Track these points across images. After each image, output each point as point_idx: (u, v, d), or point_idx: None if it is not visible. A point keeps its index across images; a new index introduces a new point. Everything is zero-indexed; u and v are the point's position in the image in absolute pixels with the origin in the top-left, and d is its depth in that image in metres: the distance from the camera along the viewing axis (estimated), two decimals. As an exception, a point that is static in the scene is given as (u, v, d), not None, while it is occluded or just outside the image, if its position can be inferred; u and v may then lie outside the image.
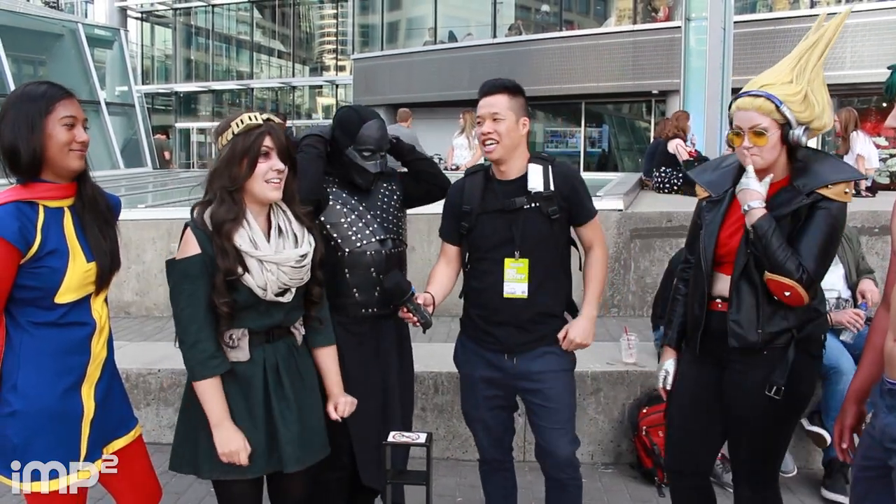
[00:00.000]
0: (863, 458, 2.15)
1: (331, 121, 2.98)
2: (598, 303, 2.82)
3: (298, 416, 2.39)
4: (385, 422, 2.86)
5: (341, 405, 2.55)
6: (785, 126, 2.41)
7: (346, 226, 2.83)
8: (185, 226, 2.29)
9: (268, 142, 2.27)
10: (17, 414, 2.09)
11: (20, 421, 2.10)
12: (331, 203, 2.84)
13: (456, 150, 10.94)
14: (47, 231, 2.09)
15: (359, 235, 2.83)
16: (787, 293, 2.39)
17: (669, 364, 2.75)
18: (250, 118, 2.29)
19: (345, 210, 2.85)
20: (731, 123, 2.52)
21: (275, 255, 2.28)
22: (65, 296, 2.12)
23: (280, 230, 2.36)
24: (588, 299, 2.81)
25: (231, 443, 2.25)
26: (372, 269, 2.84)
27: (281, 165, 2.29)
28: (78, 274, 2.13)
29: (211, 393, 2.25)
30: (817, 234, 2.36)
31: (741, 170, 2.59)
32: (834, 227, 2.38)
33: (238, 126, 2.27)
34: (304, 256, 2.35)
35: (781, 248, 2.36)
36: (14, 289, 2.08)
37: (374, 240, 2.85)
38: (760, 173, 2.48)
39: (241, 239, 2.24)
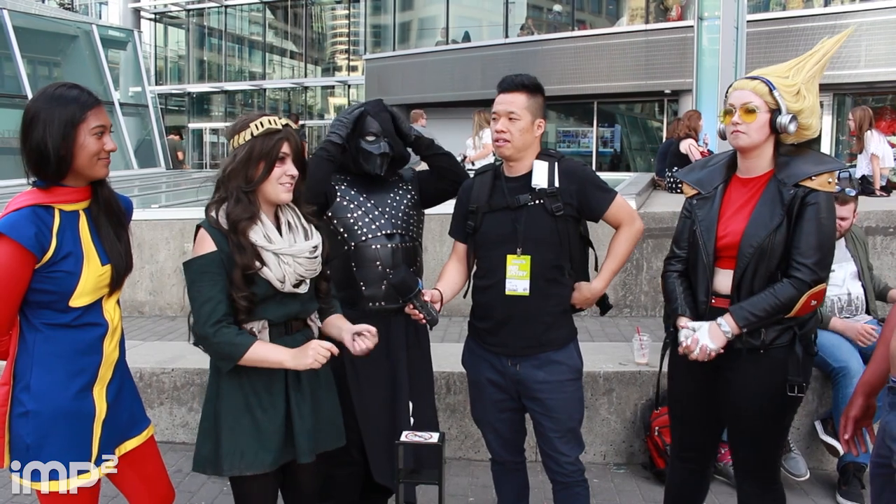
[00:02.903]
0: (876, 456, 2.19)
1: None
2: (609, 278, 2.82)
3: (312, 408, 2.43)
4: (395, 417, 2.87)
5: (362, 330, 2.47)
6: (775, 112, 2.52)
7: (351, 220, 2.87)
8: (198, 226, 2.33)
9: (285, 147, 2.33)
10: (30, 414, 2.11)
11: (33, 421, 2.11)
12: (338, 199, 2.88)
13: (467, 151, 11.00)
14: (63, 235, 2.10)
15: (364, 230, 2.87)
16: (812, 302, 2.50)
17: (689, 324, 2.61)
18: (270, 122, 2.32)
19: (352, 206, 2.89)
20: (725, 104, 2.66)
21: (289, 248, 2.33)
22: (79, 299, 2.13)
23: (290, 226, 2.42)
24: (600, 272, 2.82)
25: (306, 359, 2.27)
26: (378, 263, 2.86)
27: (294, 171, 2.36)
28: (93, 277, 2.15)
29: (261, 352, 2.26)
30: (812, 228, 2.45)
31: (730, 166, 2.70)
32: (826, 217, 2.48)
33: (258, 128, 2.30)
34: (315, 248, 2.42)
35: (769, 301, 2.46)
36: (29, 292, 2.09)
37: (379, 234, 2.88)
38: (744, 154, 2.60)
39: (256, 235, 2.30)
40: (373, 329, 2.46)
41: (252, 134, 2.30)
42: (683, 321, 2.63)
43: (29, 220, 2.05)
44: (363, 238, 2.86)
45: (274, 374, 2.35)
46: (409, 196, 3.01)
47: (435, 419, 3.11)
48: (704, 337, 2.52)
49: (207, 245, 2.27)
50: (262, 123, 2.31)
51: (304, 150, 2.43)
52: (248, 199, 2.30)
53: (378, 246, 2.86)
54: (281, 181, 2.33)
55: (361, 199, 2.91)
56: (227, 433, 2.32)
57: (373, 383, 2.85)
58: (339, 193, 2.90)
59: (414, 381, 2.96)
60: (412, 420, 2.94)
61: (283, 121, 2.36)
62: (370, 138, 2.89)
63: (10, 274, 2.04)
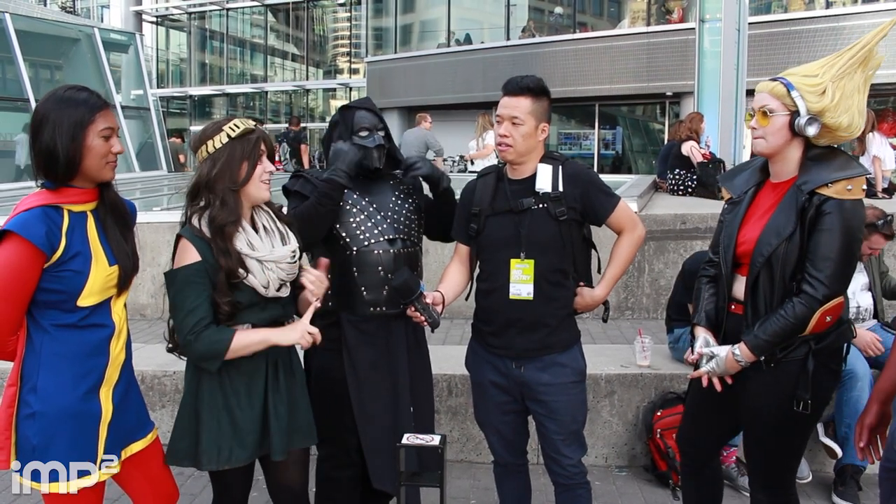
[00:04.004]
0: (885, 461, 2.18)
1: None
2: (611, 284, 2.81)
3: (288, 409, 2.48)
4: (395, 422, 2.87)
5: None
6: (795, 113, 2.41)
7: (354, 225, 2.86)
8: (179, 235, 2.34)
9: (262, 146, 2.39)
10: (37, 415, 2.11)
11: (39, 422, 2.11)
12: (341, 203, 2.87)
13: (471, 153, 11.03)
14: (72, 235, 2.12)
15: (367, 234, 2.86)
16: (827, 318, 2.40)
17: (702, 342, 2.61)
18: (243, 123, 2.37)
19: (354, 210, 2.87)
20: None
21: (271, 255, 2.37)
22: (87, 299, 2.14)
23: (266, 229, 2.45)
24: (602, 279, 2.81)
25: (293, 334, 2.36)
26: (380, 269, 2.84)
27: (272, 167, 2.43)
28: (101, 277, 2.16)
29: (246, 339, 2.30)
30: (829, 238, 2.34)
31: (763, 170, 2.61)
32: (845, 226, 2.34)
33: (234, 130, 2.34)
34: (295, 252, 2.45)
35: (780, 323, 2.39)
36: (37, 292, 2.10)
37: (382, 239, 2.86)
38: (768, 158, 2.53)
39: (240, 242, 2.32)
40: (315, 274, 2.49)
41: (228, 136, 2.33)
42: (701, 342, 2.60)
43: (39, 219, 2.07)
44: (365, 243, 2.85)
45: (255, 377, 2.40)
46: (410, 200, 3.00)
47: (433, 422, 3.11)
48: (720, 368, 2.51)
49: (191, 255, 2.28)
50: (236, 126, 2.35)
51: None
52: (233, 201, 2.32)
53: (380, 251, 2.85)
54: (262, 179, 2.38)
55: (364, 202, 2.90)
56: (206, 431, 2.36)
57: (374, 388, 2.84)
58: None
59: (415, 386, 2.96)
60: (412, 426, 2.93)
61: (251, 122, 2.42)
62: (363, 133, 2.89)
63: (20, 272, 2.05)
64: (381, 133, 2.93)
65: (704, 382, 2.55)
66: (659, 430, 3.97)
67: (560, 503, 2.87)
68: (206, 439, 2.36)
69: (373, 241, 2.85)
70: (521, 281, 2.70)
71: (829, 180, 2.35)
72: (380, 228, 2.87)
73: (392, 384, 2.89)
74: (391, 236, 2.87)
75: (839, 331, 2.49)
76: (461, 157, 10.48)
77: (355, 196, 2.90)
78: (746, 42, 10.65)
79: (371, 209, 2.89)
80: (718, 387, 2.53)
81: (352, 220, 2.86)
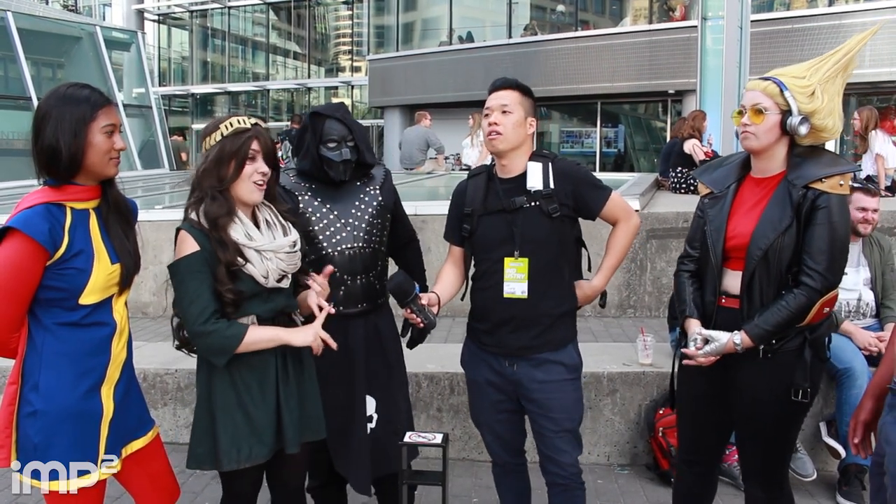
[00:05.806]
0: (876, 454, 2.21)
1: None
2: (609, 274, 2.83)
3: (298, 401, 2.49)
4: (352, 417, 2.91)
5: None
6: (786, 112, 2.47)
7: (311, 234, 2.87)
8: (178, 229, 2.37)
9: (255, 145, 2.37)
10: (38, 414, 2.12)
11: (40, 421, 2.12)
12: (300, 210, 2.89)
13: (464, 150, 11.03)
14: (74, 232, 2.12)
15: (325, 243, 2.88)
16: (825, 310, 2.47)
17: (698, 330, 2.58)
18: (239, 121, 2.38)
19: (313, 218, 2.89)
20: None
21: (270, 244, 2.38)
22: (89, 297, 2.14)
23: (268, 223, 2.46)
24: (600, 269, 2.83)
25: (306, 336, 2.39)
26: (336, 271, 2.84)
27: (266, 168, 2.40)
28: (103, 275, 2.16)
29: (258, 335, 2.33)
30: (823, 233, 2.41)
31: (744, 165, 2.67)
32: (836, 221, 2.42)
33: (227, 128, 2.35)
34: (295, 243, 2.47)
35: (781, 314, 2.42)
36: (39, 290, 2.10)
37: (340, 247, 2.89)
38: (755, 155, 2.58)
39: (237, 233, 2.34)
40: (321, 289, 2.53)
41: (222, 134, 2.35)
42: (697, 328, 2.59)
43: (42, 216, 2.07)
44: (322, 252, 2.87)
45: (266, 371, 2.41)
46: (374, 203, 3.00)
47: (408, 420, 3.11)
48: (718, 352, 2.50)
49: (190, 245, 2.30)
50: (231, 124, 2.36)
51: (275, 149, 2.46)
52: (222, 197, 2.34)
53: (335, 253, 2.88)
54: (253, 179, 2.37)
55: (324, 210, 2.91)
56: (223, 431, 2.36)
57: (329, 382, 2.85)
58: (301, 204, 2.90)
59: (378, 384, 2.98)
60: (375, 416, 2.98)
61: (252, 120, 2.41)
62: (331, 144, 2.87)
63: (23, 269, 2.05)
64: (351, 144, 2.90)
65: (703, 362, 2.54)
66: (661, 429, 3.96)
67: (554, 504, 2.86)
68: (224, 439, 2.36)
69: (329, 249, 2.88)
70: (516, 280, 2.69)
71: (823, 175, 2.43)
72: (339, 236, 2.89)
73: (349, 381, 2.92)
74: (350, 244, 2.90)
75: (828, 322, 2.56)
76: (457, 155, 10.44)
77: (316, 203, 2.92)
78: (749, 40, 10.64)
79: (332, 216, 2.91)
80: (709, 362, 2.52)
81: (310, 228, 2.88)
